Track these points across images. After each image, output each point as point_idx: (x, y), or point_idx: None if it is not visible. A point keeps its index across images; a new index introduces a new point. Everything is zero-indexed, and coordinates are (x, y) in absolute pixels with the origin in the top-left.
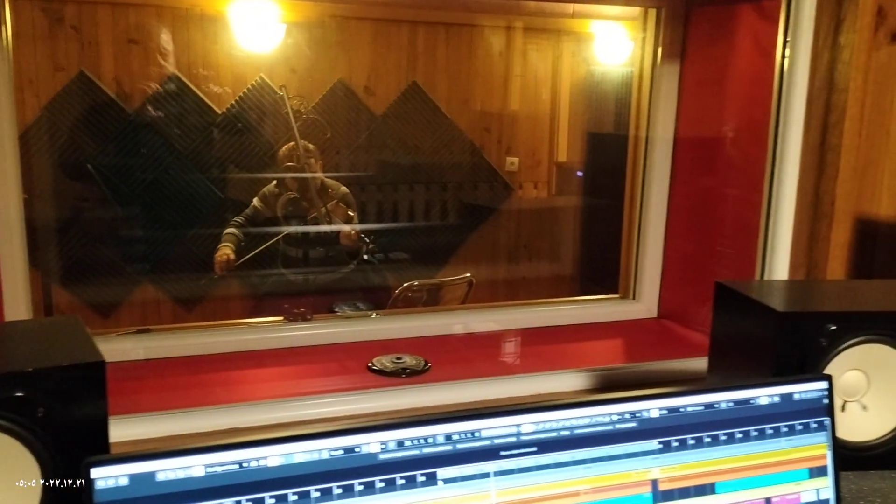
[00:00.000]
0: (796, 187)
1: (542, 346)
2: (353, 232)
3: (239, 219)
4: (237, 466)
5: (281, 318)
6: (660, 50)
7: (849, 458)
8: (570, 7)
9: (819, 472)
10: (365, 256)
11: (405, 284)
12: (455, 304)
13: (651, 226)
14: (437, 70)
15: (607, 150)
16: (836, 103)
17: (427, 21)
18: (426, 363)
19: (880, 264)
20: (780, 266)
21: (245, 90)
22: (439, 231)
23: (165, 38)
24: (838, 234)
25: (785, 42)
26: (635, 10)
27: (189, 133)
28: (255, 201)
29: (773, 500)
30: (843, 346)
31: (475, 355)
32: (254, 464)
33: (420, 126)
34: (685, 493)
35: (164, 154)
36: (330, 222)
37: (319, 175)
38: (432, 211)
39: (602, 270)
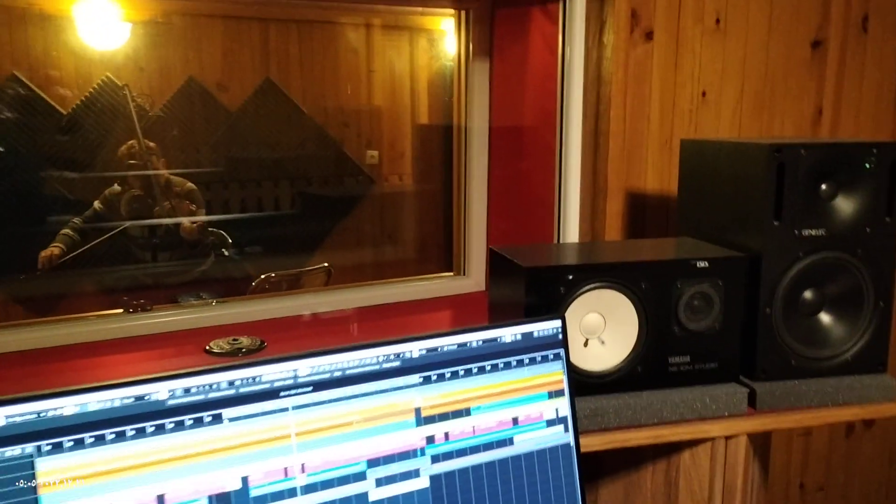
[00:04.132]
0: (580, 168)
1: (379, 322)
2: (193, 225)
3: (77, 220)
4: (35, 416)
5: (120, 310)
6: (471, 47)
7: (592, 384)
8: (420, 7)
9: (557, 393)
10: (225, 252)
11: (262, 276)
12: None
13: (475, 207)
14: (292, 67)
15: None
16: (604, 94)
17: (278, 18)
18: (262, 342)
19: (651, 229)
20: (571, 235)
21: (90, 90)
22: (302, 223)
23: (1, 39)
24: (612, 205)
25: (564, 41)
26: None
27: (33, 135)
28: (96, 203)
29: (520, 418)
30: (579, 292)
31: (312, 333)
32: (52, 413)
33: (277, 122)
34: (444, 416)
35: (7, 157)
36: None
37: (163, 172)
38: (295, 205)
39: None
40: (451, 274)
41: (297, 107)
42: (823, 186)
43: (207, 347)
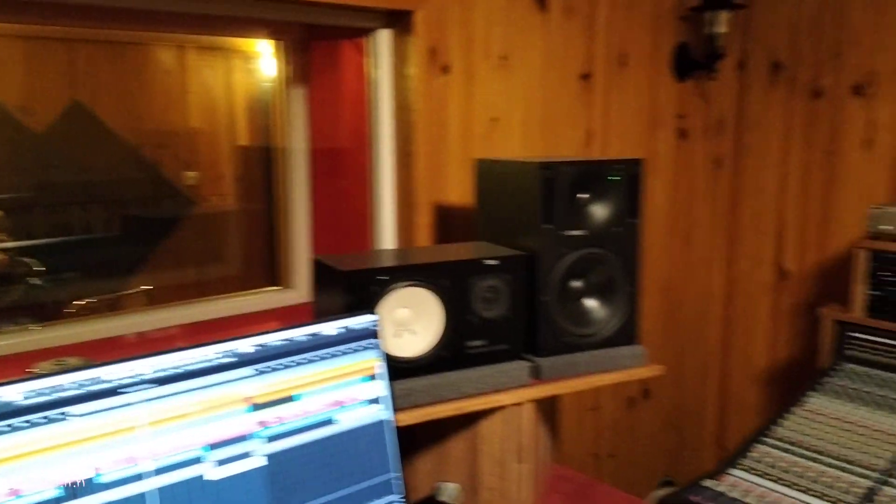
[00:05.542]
0: (393, 185)
1: (208, 336)
2: (3, 256)
3: None
4: None
5: None
6: (289, 74)
7: (405, 369)
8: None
9: (374, 377)
10: (34, 280)
11: (80, 302)
12: None
13: (297, 224)
14: (103, 88)
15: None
16: (409, 120)
17: (87, 39)
18: (90, 362)
19: (456, 236)
20: (387, 245)
21: None
22: (119, 246)
23: None
24: (421, 217)
25: (372, 72)
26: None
27: None
28: None
29: (343, 400)
30: (390, 290)
31: (142, 350)
32: None
33: (88, 144)
34: (276, 403)
35: None
36: None
37: None
38: (111, 228)
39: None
40: (278, 288)
41: (109, 129)
42: (583, 196)
43: (28, 370)
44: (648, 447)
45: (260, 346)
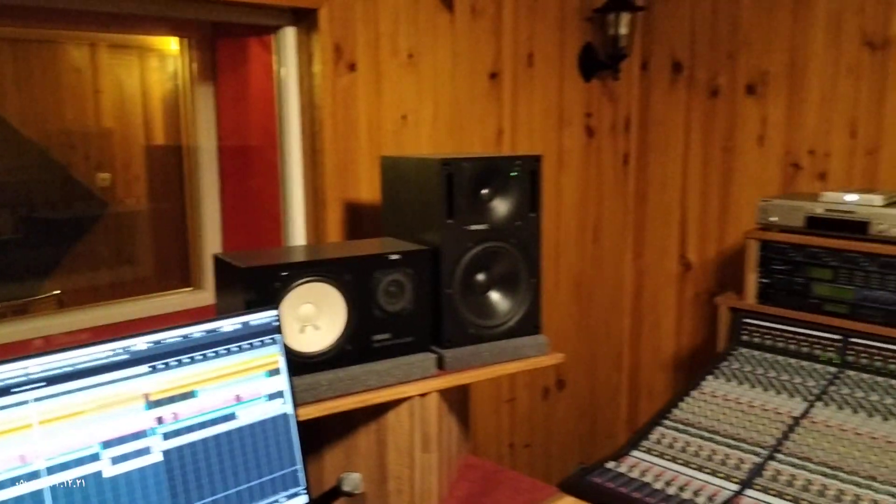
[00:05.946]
0: (302, 182)
1: None
2: None
3: None
4: None
5: None
6: (196, 72)
7: (309, 363)
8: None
9: (275, 372)
10: None
11: None
12: None
13: (208, 223)
14: (7, 88)
15: None
16: (317, 117)
17: None
18: None
19: (368, 233)
20: (298, 242)
21: None
22: (28, 251)
23: None
24: (332, 214)
25: (278, 70)
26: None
27: None
28: None
29: (242, 396)
30: (292, 286)
31: None
32: None
33: None
34: (172, 399)
35: None
36: None
37: None
38: (18, 231)
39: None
40: (190, 288)
41: (15, 129)
42: (484, 191)
43: None
44: (564, 435)
45: (154, 342)
